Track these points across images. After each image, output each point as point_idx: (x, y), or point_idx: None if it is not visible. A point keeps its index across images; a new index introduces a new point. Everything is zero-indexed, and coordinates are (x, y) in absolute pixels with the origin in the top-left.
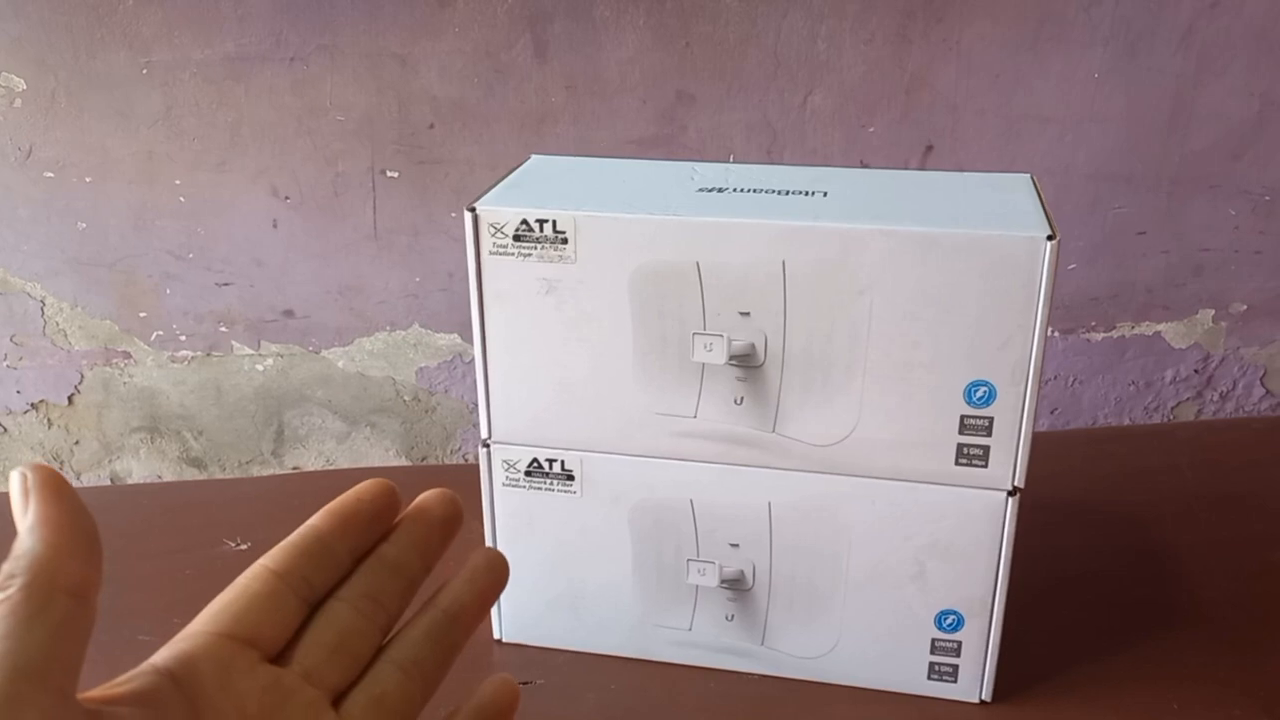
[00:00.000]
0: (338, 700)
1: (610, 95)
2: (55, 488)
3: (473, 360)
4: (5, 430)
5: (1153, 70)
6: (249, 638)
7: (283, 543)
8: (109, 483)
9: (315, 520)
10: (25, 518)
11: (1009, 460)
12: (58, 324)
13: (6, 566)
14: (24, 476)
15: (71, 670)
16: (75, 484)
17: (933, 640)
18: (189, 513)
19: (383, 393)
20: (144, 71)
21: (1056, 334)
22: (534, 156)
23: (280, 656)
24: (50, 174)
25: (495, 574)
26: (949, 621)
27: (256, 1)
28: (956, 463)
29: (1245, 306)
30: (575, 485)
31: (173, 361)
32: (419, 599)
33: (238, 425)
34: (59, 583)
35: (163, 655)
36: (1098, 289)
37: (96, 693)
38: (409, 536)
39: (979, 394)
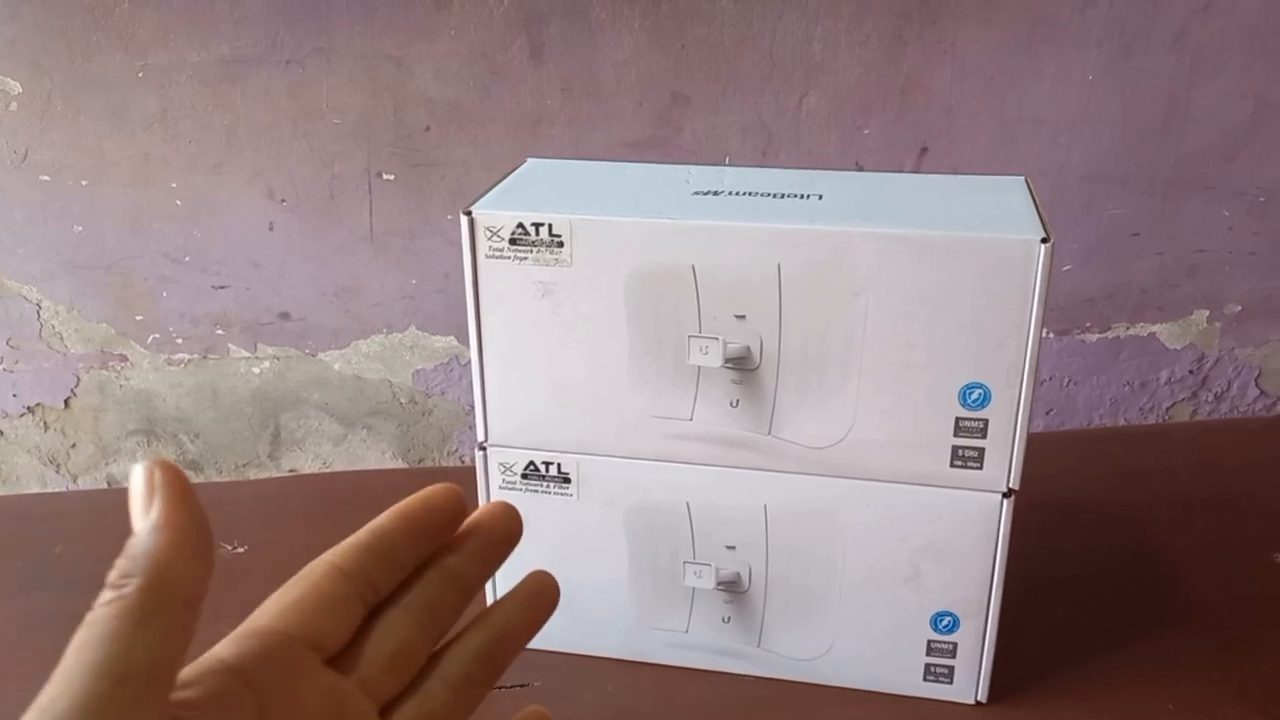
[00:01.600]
0: (385, 708)
1: (606, 97)
2: (182, 490)
3: (469, 363)
4: (2, 433)
5: (1147, 72)
6: (315, 640)
7: (351, 540)
8: (106, 486)
9: (384, 521)
10: (147, 516)
11: (1004, 462)
12: (54, 327)
13: (122, 564)
14: (150, 472)
15: (171, 678)
16: (73, 487)
17: (928, 642)
18: None
19: (379, 395)
20: (140, 74)
21: (1051, 335)
22: (529, 160)
23: (338, 659)
24: (46, 177)
25: (548, 597)
26: (944, 623)
27: (252, 4)
28: (952, 464)
29: (1240, 307)
30: (572, 488)
31: (169, 364)
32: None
33: (234, 428)
34: (177, 589)
35: (232, 650)
36: (1092, 290)
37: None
38: (473, 549)
39: (974, 396)
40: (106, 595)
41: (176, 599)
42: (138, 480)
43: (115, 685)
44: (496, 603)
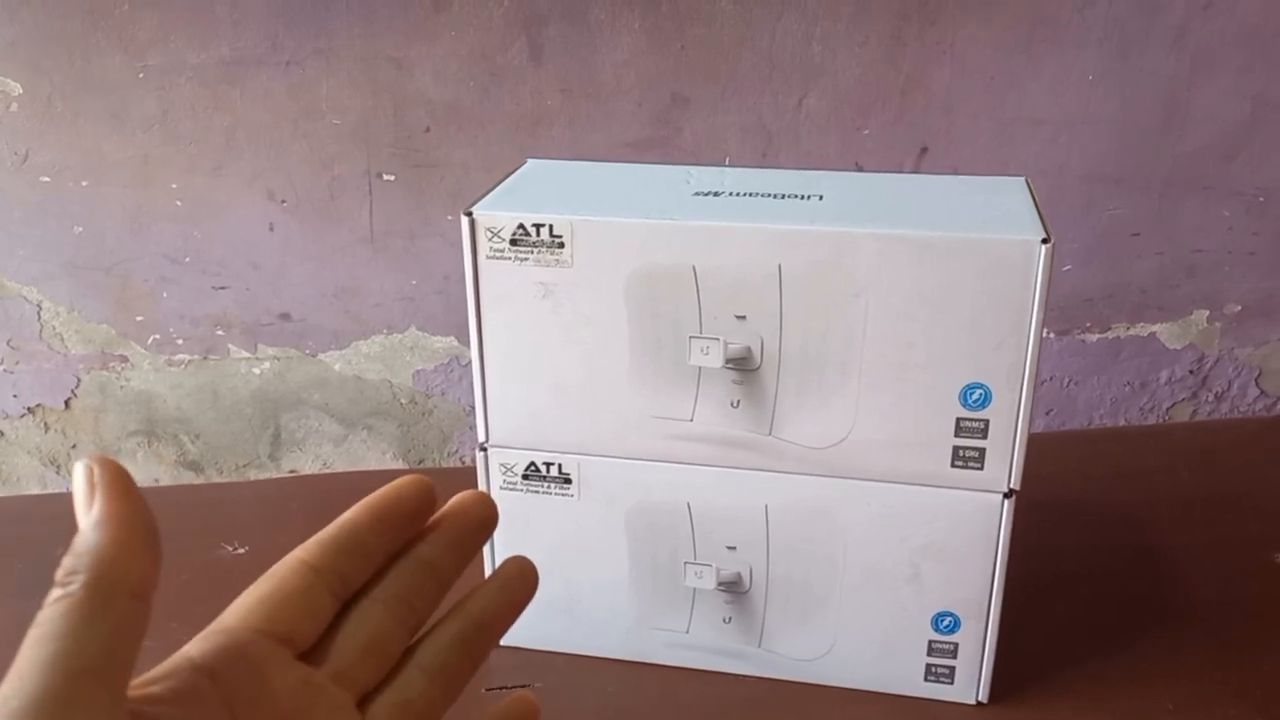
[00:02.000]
0: (363, 700)
1: (605, 98)
2: (122, 484)
3: (469, 363)
4: (2, 434)
5: (1146, 72)
6: (284, 635)
7: (319, 536)
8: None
9: (353, 514)
10: (90, 513)
11: (1004, 463)
12: (54, 328)
13: (67, 562)
14: (90, 470)
15: (126, 671)
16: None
17: (929, 642)
18: (186, 517)
19: (379, 396)
20: (140, 75)
21: (1051, 335)
22: (530, 161)
23: (310, 653)
24: (46, 178)
25: (526, 583)
26: (945, 623)
27: (252, 6)
28: (952, 465)
29: (1239, 307)
30: (572, 488)
31: (169, 365)
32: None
33: (234, 429)
34: (123, 582)
35: (199, 649)
36: (1092, 290)
37: (135, 689)
38: (445, 537)
39: (974, 396)
40: (55, 593)
41: (123, 592)
42: (79, 479)
43: (68, 680)
44: (473, 590)
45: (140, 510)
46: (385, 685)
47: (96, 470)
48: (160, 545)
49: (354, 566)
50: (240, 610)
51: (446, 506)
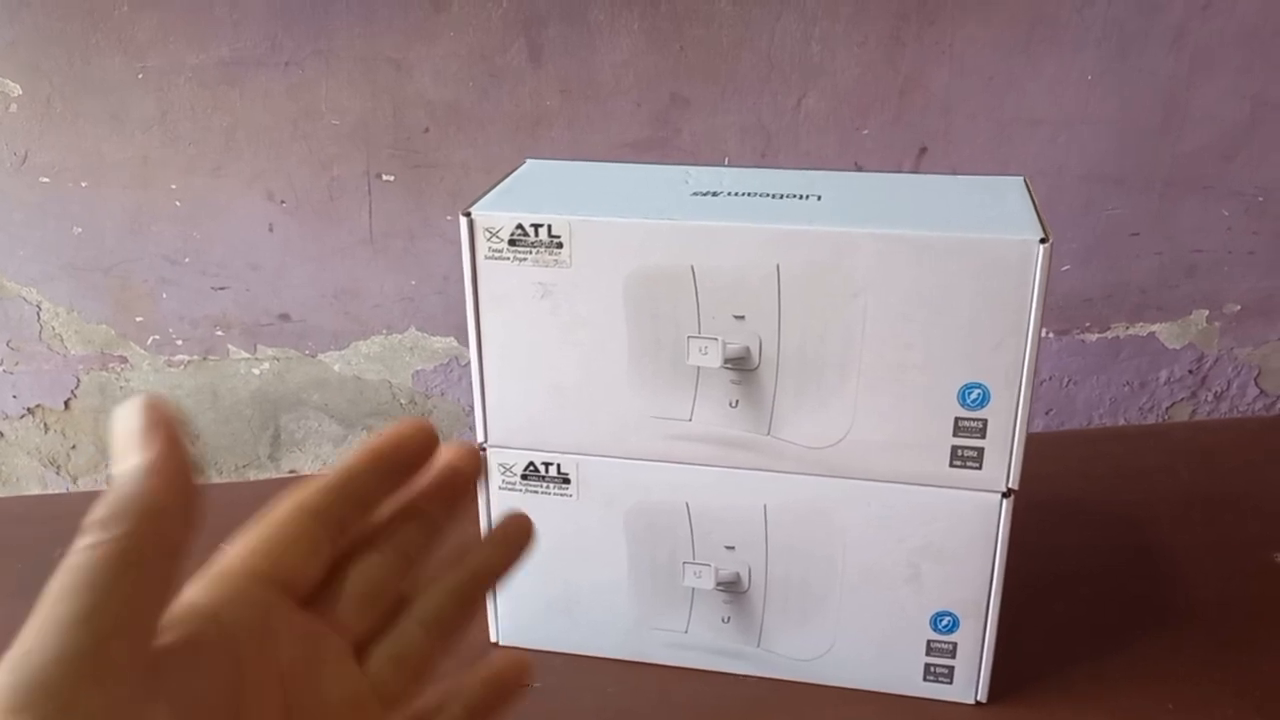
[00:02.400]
0: (358, 648)
1: (604, 98)
2: (174, 435)
3: (469, 364)
4: (2, 435)
5: (1145, 72)
6: (285, 581)
7: (319, 482)
8: (107, 488)
9: (353, 461)
10: (137, 457)
11: (1003, 462)
12: (54, 329)
13: (105, 508)
14: (146, 410)
15: (153, 629)
16: (73, 489)
17: (928, 642)
18: None
19: (379, 396)
20: (139, 76)
21: (1051, 335)
22: (529, 161)
23: (309, 600)
24: (46, 179)
25: (523, 537)
26: (944, 623)
27: (251, 6)
28: (951, 465)
29: (1239, 307)
30: (571, 489)
31: (169, 366)
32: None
33: (234, 429)
34: (165, 540)
35: (204, 595)
36: (1091, 290)
37: None
38: (439, 488)
39: (973, 396)
40: (89, 538)
41: (163, 549)
42: (128, 416)
43: (96, 640)
44: (472, 544)
45: (187, 467)
46: (381, 636)
47: (152, 411)
48: (202, 506)
49: (352, 513)
50: (241, 554)
51: (439, 459)
